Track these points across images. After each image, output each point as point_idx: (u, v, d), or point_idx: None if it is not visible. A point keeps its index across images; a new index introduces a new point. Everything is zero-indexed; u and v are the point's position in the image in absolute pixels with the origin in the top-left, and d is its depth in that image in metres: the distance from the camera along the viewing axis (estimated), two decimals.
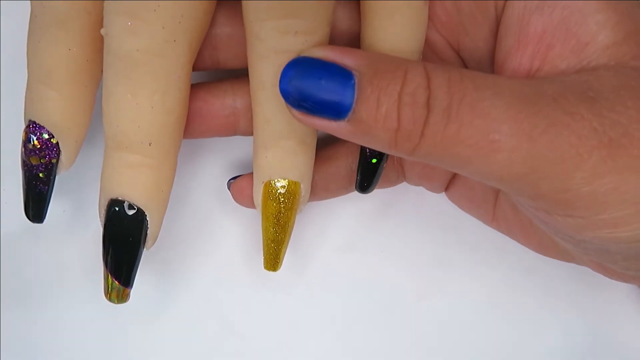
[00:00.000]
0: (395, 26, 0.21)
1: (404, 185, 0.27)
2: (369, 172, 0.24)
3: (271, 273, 0.26)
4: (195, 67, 0.23)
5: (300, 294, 0.27)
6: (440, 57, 0.24)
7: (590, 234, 0.19)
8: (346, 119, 0.19)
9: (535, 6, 0.20)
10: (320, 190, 0.25)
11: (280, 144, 0.22)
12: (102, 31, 0.20)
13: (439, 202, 0.27)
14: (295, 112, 0.19)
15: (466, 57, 0.24)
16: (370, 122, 0.18)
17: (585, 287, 0.27)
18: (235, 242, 0.27)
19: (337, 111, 0.19)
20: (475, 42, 0.23)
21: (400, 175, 0.26)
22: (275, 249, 0.23)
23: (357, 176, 0.24)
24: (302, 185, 0.23)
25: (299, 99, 0.19)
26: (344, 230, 0.27)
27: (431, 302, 0.27)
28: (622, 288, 0.27)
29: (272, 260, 0.23)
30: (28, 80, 0.22)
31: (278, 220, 0.23)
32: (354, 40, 0.23)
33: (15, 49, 0.24)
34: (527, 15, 0.20)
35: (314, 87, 0.19)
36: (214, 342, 0.26)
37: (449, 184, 0.26)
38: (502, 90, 0.18)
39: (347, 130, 0.19)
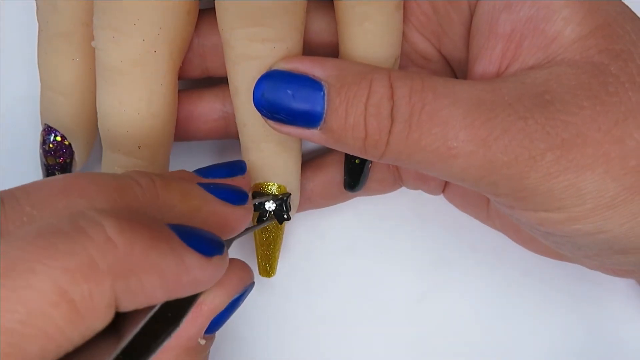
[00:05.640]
0: (366, 33, 0.21)
1: (402, 187, 0.27)
2: (354, 172, 0.24)
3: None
4: (185, 76, 0.24)
5: (300, 295, 0.27)
6: (423, 57, 0.24)
7: (553, 228, 0.20)
8: (319, 128, 0.20)
9: (504, 5, 0.20)
10: (317, 197, 0.26)
11: (260, 147, 0.23)
12: (93, 43, 0.22)
13: (438, 204, 0.27)
14: (271, 122, 0.20)
15: (448, 56, 0.23)
16: (340, 131, 0.20)
17: (584, 286, 0.27)
18: (234, 246, 0.26)
19: (309, 121, 0.20)
20: (454, 42, 0.23)
21: (398, 180, 0.26)
22: (267, 261, 0.24)
23: (344, 176, 0.25)
24: (287, 188, 0.23)
25: (272, 111, 0.20)
26: (343, 232, 0.27)
27: (431, 303, 0.27)
28: (621, 287, 0.27)
29: (265, 270, 0.25)
30: (41, 88, 0.24)
31: (267, 244, 0.24)
32: (335, 51, 0.23)
33: (15, 51, 0.25)
34: (496, 14, 0.20)
35: (286, 99, 0.20)
36: (214, 344, 0.26)
37: (445, 184, 0.26)
38: (460, 99, 0.19)
39: (320, 138, 0.20)
